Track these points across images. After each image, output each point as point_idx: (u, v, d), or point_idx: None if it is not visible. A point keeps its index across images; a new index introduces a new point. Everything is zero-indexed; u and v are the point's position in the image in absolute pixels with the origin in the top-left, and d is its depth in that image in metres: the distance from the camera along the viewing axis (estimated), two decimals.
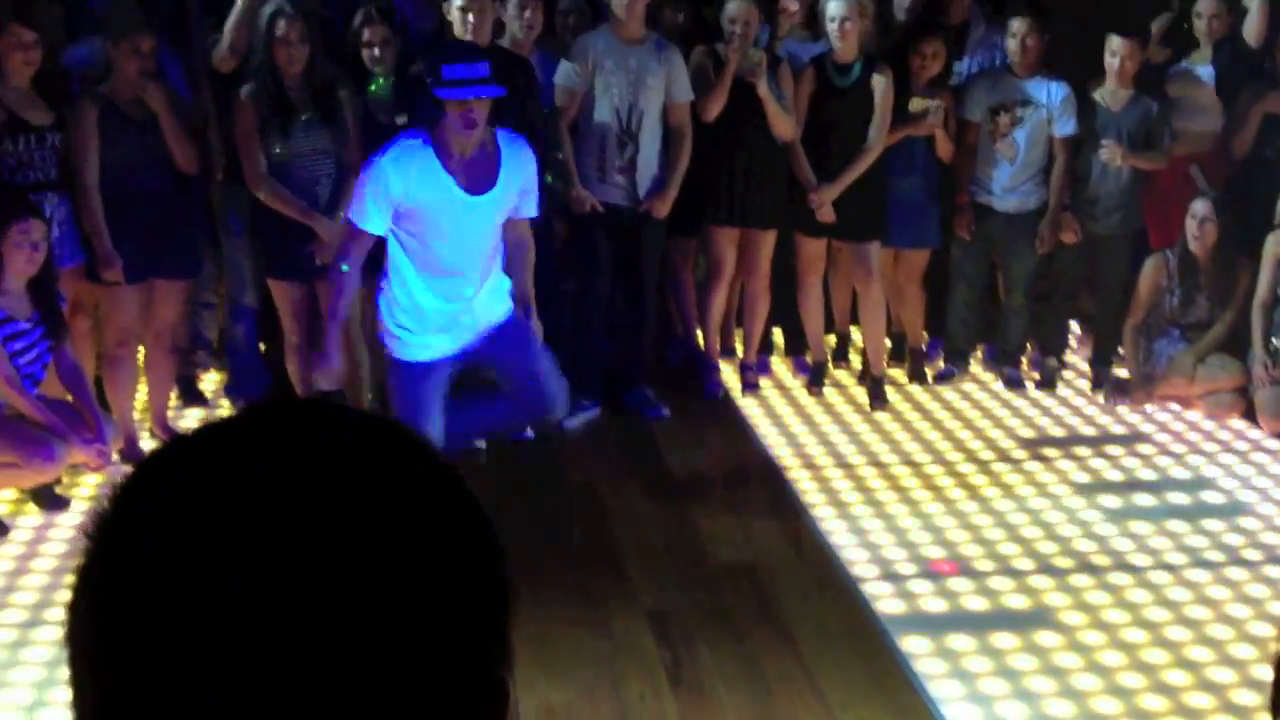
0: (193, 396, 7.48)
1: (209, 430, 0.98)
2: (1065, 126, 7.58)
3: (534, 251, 5.70)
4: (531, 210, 5.55)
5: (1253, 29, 7.80)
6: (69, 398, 6.23)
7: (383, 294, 5.46)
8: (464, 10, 6.69)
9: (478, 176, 5.25)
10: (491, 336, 5.49)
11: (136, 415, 6.90)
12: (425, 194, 5.18)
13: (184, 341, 7.34)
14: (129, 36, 6.36)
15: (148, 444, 6.78)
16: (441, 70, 5.07)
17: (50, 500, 6.17)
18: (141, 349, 6.92)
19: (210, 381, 7.73)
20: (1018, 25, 7.55)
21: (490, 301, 5.48)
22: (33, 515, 6.14)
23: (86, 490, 6.40)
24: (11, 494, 6.20)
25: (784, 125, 7.34)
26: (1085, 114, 7.61)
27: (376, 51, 6.80)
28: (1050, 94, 7.58)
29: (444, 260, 5.30)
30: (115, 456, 6.43)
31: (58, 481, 6.21)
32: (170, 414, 7.08)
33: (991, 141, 7.66)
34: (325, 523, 0.90)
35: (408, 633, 0.90)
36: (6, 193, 6.20)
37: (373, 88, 6.82)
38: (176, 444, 0.97)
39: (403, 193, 5.16)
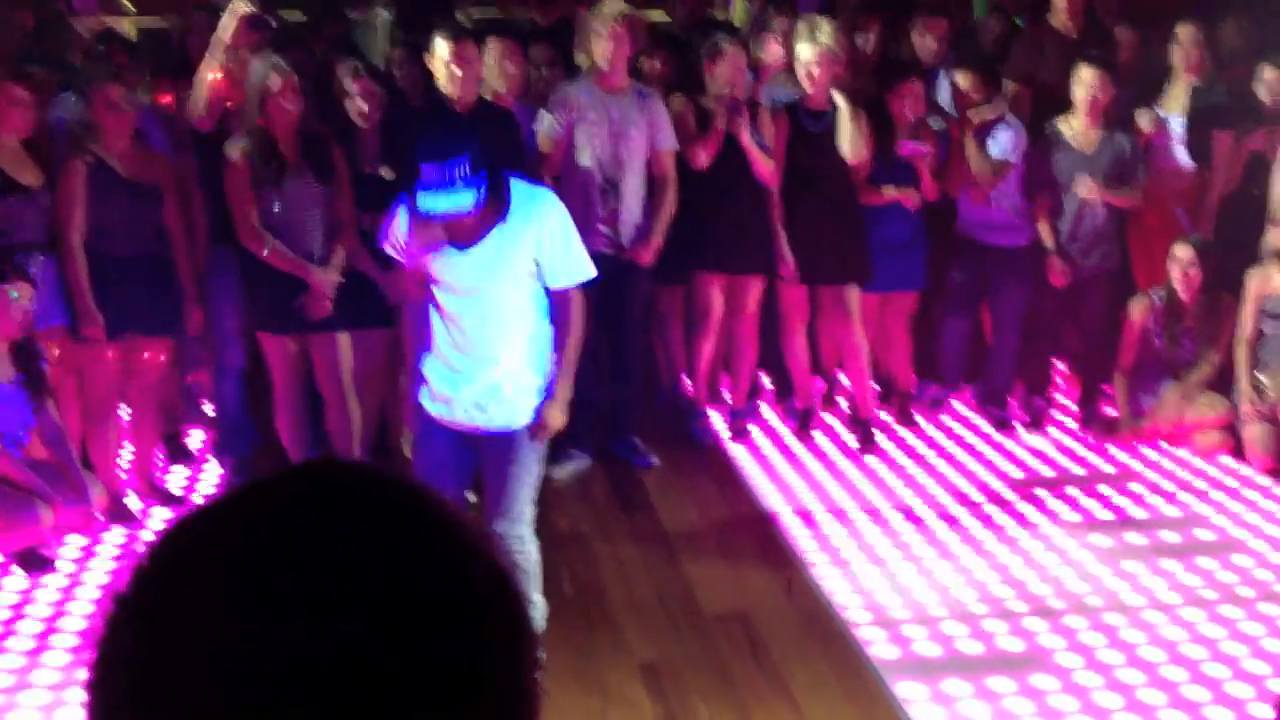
0: (180, 454, 7.44)
1: (229, 499, 1.01)
2: (994, 148, 7.60)
3: (574, 328, 5.00)
4: (559, 278, 4.90)
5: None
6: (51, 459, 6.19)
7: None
8: (449, 64, 6.72)
9: (471, 231, 4.78)
10: (494, 438, 4.99)
11: (122, 474, 6.85)
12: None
13: (170, 399, 7.32)
14: (98, 89, 6.37)
15: (133, 503, 6.75)
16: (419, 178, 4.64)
17: (34, 562, 6.11)
18: (126, 407, 6.88)
19: (198, 439, 7.69)
20: (962, 79, 7.61)
21: (508, 397, 4.93)
22: (17, 578, 6.08)
23: (70, 552, 6.34)
24: None
25: (767, 171, 7.35)
26: (1054, 148, 7.63)
27: (362, 106, 6.79)
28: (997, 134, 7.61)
29: (456, 318, 4.89)
30: (99, 516, 6.39)
31: (42, 544, 6.16)
32: (156, 472, 7.04)
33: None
34: (348, 590, 0.92)
35: (437, 695, 0.92)
36: None
37: None
38: (195, 518, 1.00)
39: (404, 238, 4.93)
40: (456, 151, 4.56)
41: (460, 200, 4.58)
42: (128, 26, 10.04)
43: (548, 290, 4.93)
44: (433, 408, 5.02)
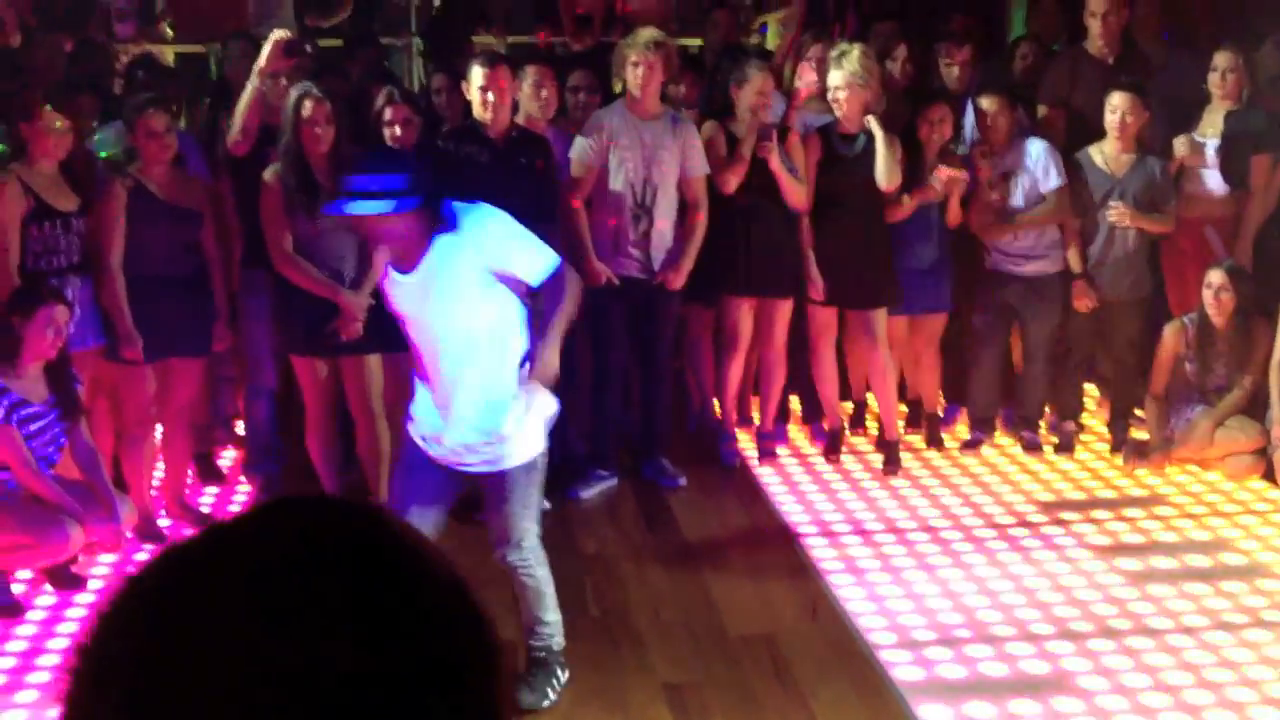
0: (210, 473, 7.50)
1: (205, 539, 1.03)
2: (1051, 180, 7.60)
3: (564, 300, 4.87)
4: (531, 275, 4.81)
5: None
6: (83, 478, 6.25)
7: None
8: (484, 90, 6.79)
9: (408, 254, 4.82)
10: (487, 477, 5.00)
11: (154, 493, 6.91)
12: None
13: (201, 418, 7.38)
14: (141, 117, 6.45)
15: (164, 522, 6.81)
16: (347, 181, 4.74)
17: (65, 579, 6.18)
18: (159, 427, 6.95)
19: (229, 458, 7.75)
20: (988, 104, 7.62)
21: (495, 441, 4.90)
22: (48, 595, 6.15)
23: (101, 569, 6.40)
24: (27, 574, 6.21)
25: (797, 196, 7.38)
26: (1084, 172, 7.63)
27: (398, 131, 6.84)
28: (1030, 154, 7.61)
29: (423, 354, 4.93)
30: (130, 535, 6.45)
31: (73, 561, 6.22)
32: (187, 492, 7.10)
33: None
34: (337, 612, 0.95)
35: (418, 706, 0.95)
36: (33, 278, 6.27)
37: None
38: (167, 558, 1.02)
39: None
40: (392, 170, 4.67)
41: (377, 206, 4.63)
42: (167, 53, 10.15)
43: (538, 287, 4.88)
44: (422, 443, 5.02)
